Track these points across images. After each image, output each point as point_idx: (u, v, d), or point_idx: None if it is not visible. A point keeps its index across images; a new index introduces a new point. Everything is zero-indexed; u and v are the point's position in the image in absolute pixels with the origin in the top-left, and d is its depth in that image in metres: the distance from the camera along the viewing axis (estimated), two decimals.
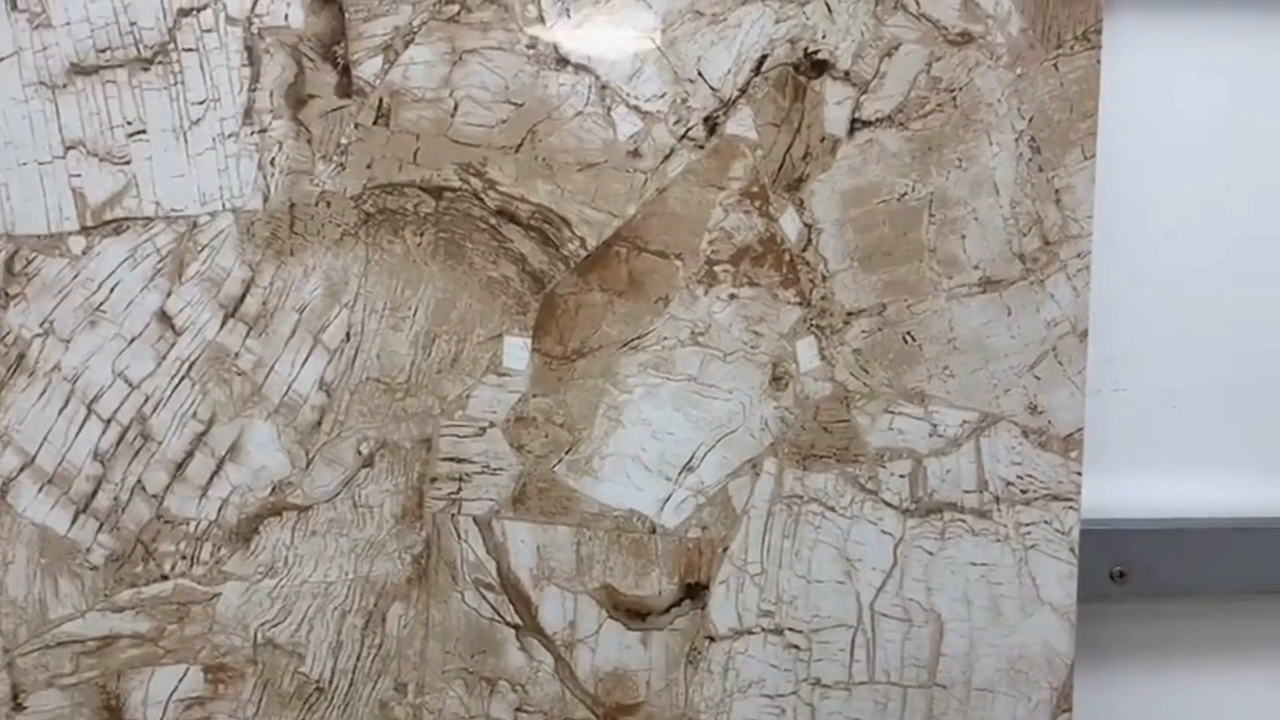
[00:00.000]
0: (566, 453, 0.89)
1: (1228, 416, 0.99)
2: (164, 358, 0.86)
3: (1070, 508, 0.92)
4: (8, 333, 0.84)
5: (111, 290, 0.85)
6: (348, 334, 0.87)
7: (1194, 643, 1.02)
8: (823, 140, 0.88)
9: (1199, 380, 0.98)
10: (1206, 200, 0.97)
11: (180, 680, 0.88)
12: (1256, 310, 0.98)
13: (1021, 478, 0.92)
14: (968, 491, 0.92)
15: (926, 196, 0.89)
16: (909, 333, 0.90)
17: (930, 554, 0.92)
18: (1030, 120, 0.89)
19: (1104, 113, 0.91)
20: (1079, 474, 0.92)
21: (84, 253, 0.84)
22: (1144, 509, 0.99)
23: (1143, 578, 0.97)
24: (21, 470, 0.85)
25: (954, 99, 0.89)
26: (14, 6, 0.82)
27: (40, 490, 0.86)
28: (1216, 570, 0.98)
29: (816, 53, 0.88)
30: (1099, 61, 0.89)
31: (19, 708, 0.87)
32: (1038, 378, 0.91)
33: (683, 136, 0.87)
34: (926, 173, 0.89)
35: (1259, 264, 0.98)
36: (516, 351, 0.88)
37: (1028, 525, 0.92)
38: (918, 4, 0.88)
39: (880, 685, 0.93)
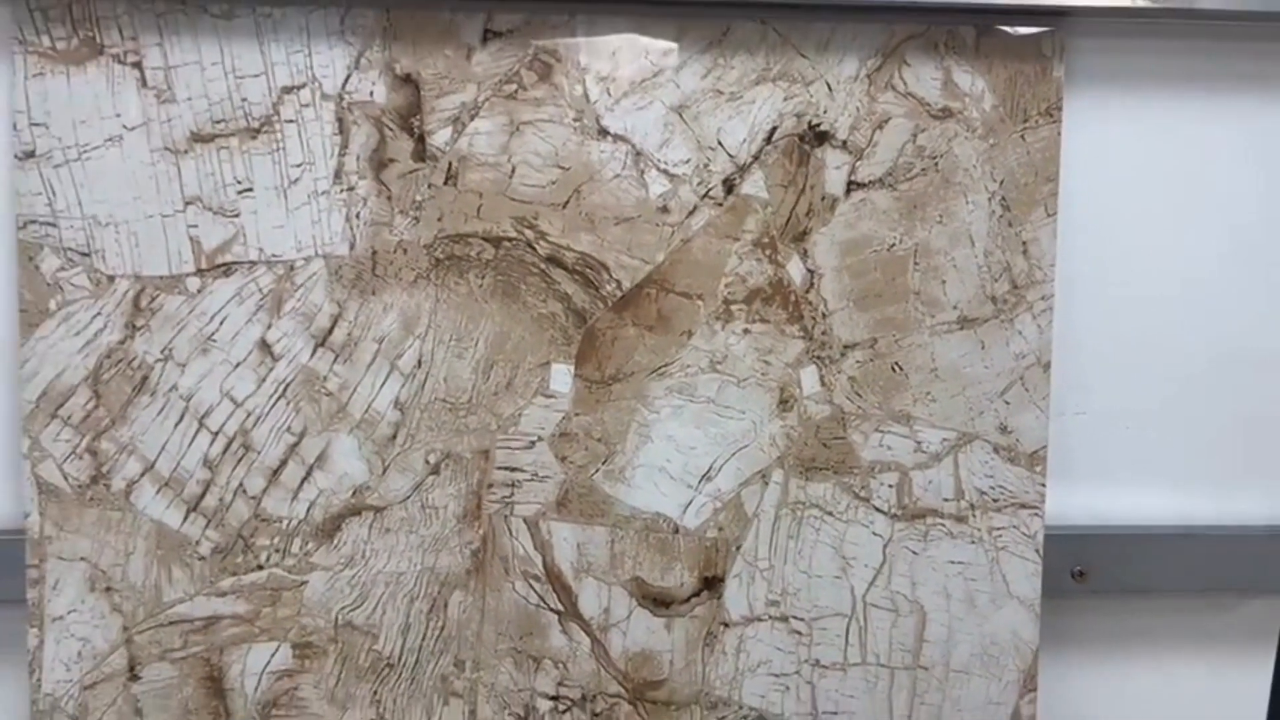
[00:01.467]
0: (603, 463, 1.02)
1: (1175, 436, 1.09)
2: (264, 380, 0.99)
3: (1035, 514, 1.04)
4: (134, 358, 0.98)
5: (221, 323, 0.98)
6: (419, 361, 1.00)
7: (1146, 636, 1.12)
8: (823, 199, 1.01)
9: (1149, 404, 1.08)
10: (1154, 249, 1.06)
11: (272, 655, 1.00)
12: (1198, 341, 1.08)
13: (993, 488, 1.04)
14: (947, 500, 1.04)
15: (912, 247, 1.02)
16: (897, 363, 1.03)
17: (915, 553, 1.04)
18: (1001, 183, 1.02)
19: (1064, 176, 1.02)
20: (1043, 485, 1.04)
21: (199, 291, 0.98)
22: (1101, 517, 1.09)
23: (1100, 577, 1.07)
24: (143, 474, 0.99)
25: (936, 164, 1.01)
26: (144, 84, 0.96)
27: (158, 492, 0.99)
28: (1166, 571, 1.08)
29: (819, 125, 1.00)
30: (1060, 133, 1.01)
31: (135, 678, 1.00)
32: (1007, 402, 1.04)
33: (704, 195, 1.00)
34: (912, 227, 1.02)
35: (1199, 303, 1.07)
36: (561, 377, 1.01)
37: (999, 529, 1.04)
38: (905, 84, 1.00)
39: (871, 666, 1.05)
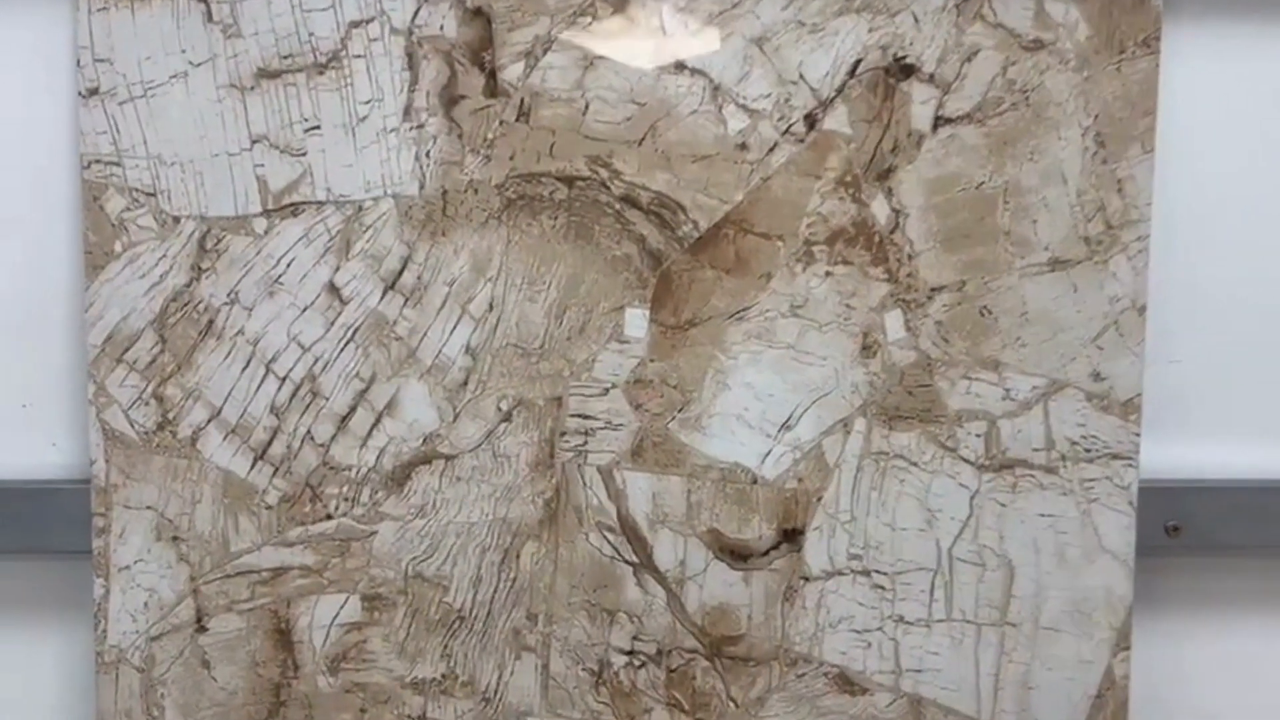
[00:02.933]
0: (679, 411, 0.99)
1: (1274, 386, 1.05)
2: (332, 324, 0.97)
3: (1129, 465, 1.01)
4: (200, 302, 0.96)
5: (288, 265, 0.96)
6: (490, 305, 0.97)
7: (1244, 595, 1.08)
8: (909, 135, 0.97)
9: (1247, 353, 1.05)
10: (1257, 188, 1.03)
11: (341, 607, 0.99)
12: None
13: (1085, 438, 1.00)
14: (1037, 450, 1.00)
15: (1002, 185, 0.98)
16: (985, 307, 0.99)
17: (1003, 505, 1.01)
18: (1095, 117, 0.98)
19: (1162, 111, 0.98)
20: (1137, 435, 1.00)
21: (265, 232, 0.96)
22: (1196, 470, 1.06)
23: (1195, 532, 1.03)
24: (209, 421, 0.97)
25: (1027, 99, 0.98)
26: (210, 19, 0.94)
27: (224, 439, 0.97)
28: (1264, 528, 1.04)
29: (905, 58, 0.97)
30: (1157, 66, 0.97)
31: (202, 629, 0.98)
32: (1100, 348, 1.00)
33: (785, 131, 0.97)
34: (1002, 164, 0.98)
35: None
36: (636, 321, 0.98)
37: (1091, 481, 1.01)
38: (995, 14, 0.97)
39: (957, 623, 1.01)
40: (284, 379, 0.97)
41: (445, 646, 0.99)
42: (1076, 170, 0.98)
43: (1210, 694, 1.09)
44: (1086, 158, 0.98)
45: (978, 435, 1.00)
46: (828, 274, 0.98)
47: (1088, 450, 1.00)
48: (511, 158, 0.96)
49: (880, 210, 0.98)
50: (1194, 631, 1.09)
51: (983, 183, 0.98)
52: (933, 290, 0.99)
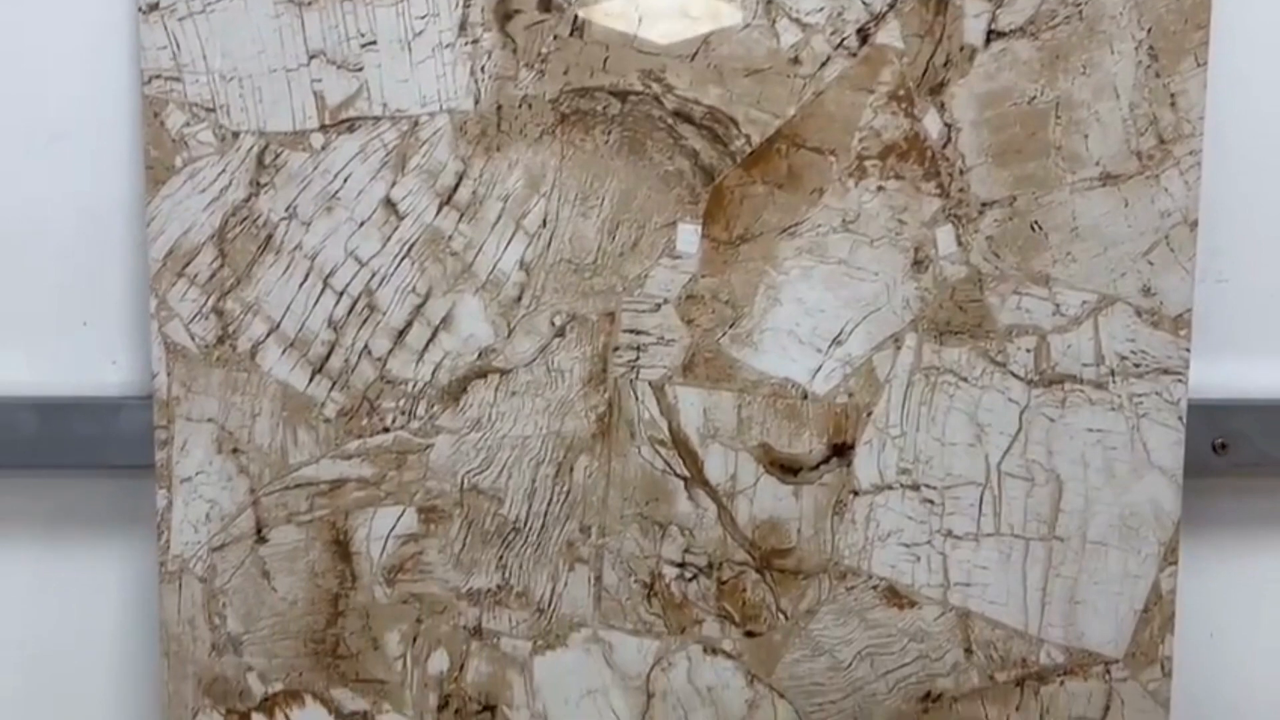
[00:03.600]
0: (730, 327, 1.00)
1: None
2: (388, 239, 0.98)
3: (1179, 380, 1.01)
4: (259, 216, 0.97)
5: (345, 180, 0.97)
6: (544, 220, 0.98)
7: None
8: (962, 49, 0.97)
9: None
10: None
11: (398, 519, 1.00)
12: None
13: (1135, 353, 1.00)
14: (1086, 365, 1.01)
15: (1054, 100, 0.98)
16: (1036, 222, 1.00)
17: (1051, 420, 1.01)
18: (1149, 31, 0.97)
19: (1216, 24, 0.98)
20: (1187, 350, 1.00)
21: (323, 148, 0.97)
22: (1245, 390, 1.06)
23: (1243, 449, 1.04)
24: (268, 335, 0.99)
25: (1080, 12, 0.97)
26: None
27: (283, 353, 0.99)
28: None
29: None
30: None
31: (262, 540, 1.00)
32: (1151, 263, 1.00)
33: (838, 46, 0.97)
34: (1054, 78, 0.98)
35: None
36: (688, 237, 0.99)
37: (1140, 396, 1.01)
38: None
39: (1005, 537, 1.02)
40: (341, 293, 0.98)
41: (500, 558, 1.01)
42: (1129, 84, 0.98)
43: (1256, 611, 1.10)
44: (1139, 71, 0.98)
45: (1027, 350, 1.00)
46: (879, 189, 0.99)
47: (1137, 365, 1.00)
48: (565, 72, 0.97)
49: (932, 125, 0.98)
50: (1240, 549, 1.09)
51: (1034, 97, 0.98)
52: (984, 205, 0.99)
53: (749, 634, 1.02)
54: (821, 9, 0.97)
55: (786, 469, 1.01)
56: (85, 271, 1.01)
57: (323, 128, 0.97)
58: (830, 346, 1.00)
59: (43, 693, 1.06)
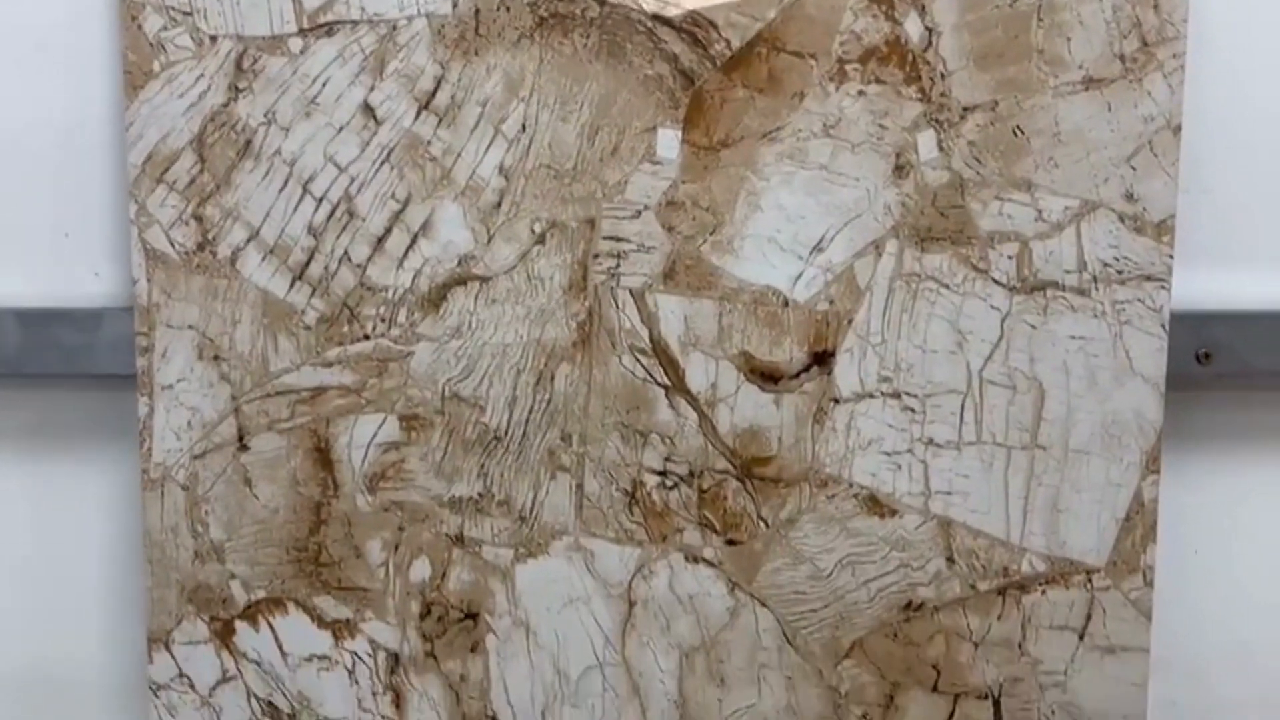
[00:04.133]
0: (711, 234, 1.00)
1: None
2: (367, 144, 0.97)
3: (1162, 287, 1.00)
4: (238, 122, 0.97)
5: (324, 85, 0.97)
6: (524, 125, 0.98)
7: (1273, 424, 1.08)
8: None
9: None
10: None
11: (379, 427, 1.00)
12: None
13: (1118, 259, 1.00)
14: (1068, 271, 1.00)
15: (1035, 2, 0.97)
16: (1018, 126, 0.99)
17: (1033, 327, 1.00)
18: None
19: None
20: (1170, 256, 1.00)
21: (301, 52, 0.97)
22: (1228, 300, 1.05)
23: (1226, 359, 1.03)
24: (248, 241, 0.98)
25: None
26: None
27: (263, 259, 0.99)
28: None
29: None
30: None
31: (244, 447, 1.01)
32: (1134, 168, 0.99)
33: None
34: None
35: None
36: (669, 142, 0.99)
37: (1122, 303, 1.00)
38: None
39: (987, 445, 1.02)
40: (320, 199, 0.98)
41: (481, 466, 1.01)
42: None
43: (1238, 521, 1.10)
44: None
45: (1009, 257, 1.00)
46: (860, 93, 0.98)
47: (1120, 272, 1.00)
48: None
49: (913, 28, 0.97)
50: (1223, 460, 1.09)
51: None
52: (965, 110, 0.98)
53: (730, 542, 1.02)
54: None
55: (767, 377, 1.01)
56: (66, 181, 1.01)
57: (301, 32, 0.96)
58: (811, 253, 1.00)
59: (27, 601, 1.06)
